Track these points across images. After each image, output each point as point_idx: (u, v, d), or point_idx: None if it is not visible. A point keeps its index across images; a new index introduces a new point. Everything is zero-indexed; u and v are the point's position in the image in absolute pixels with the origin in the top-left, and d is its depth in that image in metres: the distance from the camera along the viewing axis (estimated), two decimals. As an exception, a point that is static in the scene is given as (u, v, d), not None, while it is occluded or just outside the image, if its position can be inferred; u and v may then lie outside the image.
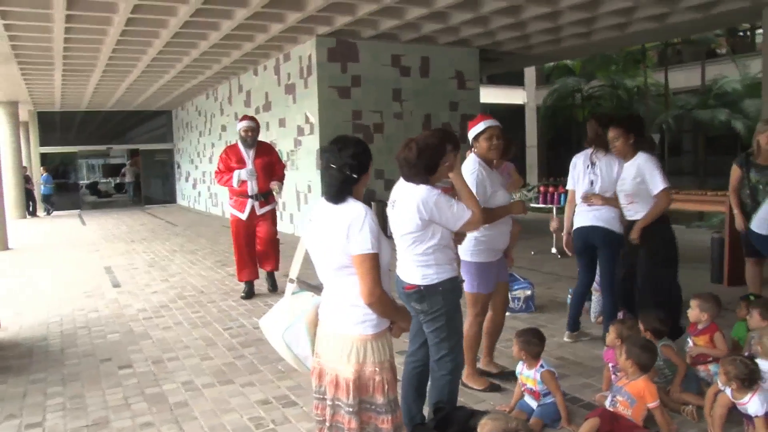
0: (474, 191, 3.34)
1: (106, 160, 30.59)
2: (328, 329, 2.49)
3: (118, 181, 27.87)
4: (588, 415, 3.39)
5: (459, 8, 9.66)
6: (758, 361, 3.36)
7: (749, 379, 3.16)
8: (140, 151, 25.01)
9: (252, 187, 6.87)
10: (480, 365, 4.29)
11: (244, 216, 6.95)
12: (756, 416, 3.14)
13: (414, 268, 3.13)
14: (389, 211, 3.21)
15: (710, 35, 21.02)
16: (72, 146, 23.69)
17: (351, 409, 2.39)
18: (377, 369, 2.40)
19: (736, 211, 5.48)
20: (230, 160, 6.89)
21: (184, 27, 9.92)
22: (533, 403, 3.62)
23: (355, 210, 2.38)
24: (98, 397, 4.29)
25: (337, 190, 2.43)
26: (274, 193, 6.96)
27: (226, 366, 4.84)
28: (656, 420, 3.29)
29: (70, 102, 19.39)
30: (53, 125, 22.68)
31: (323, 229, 2.46)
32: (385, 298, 2.36)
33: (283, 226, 7.07)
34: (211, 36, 10.75)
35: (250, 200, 6.91)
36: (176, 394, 4.31)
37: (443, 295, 3.11)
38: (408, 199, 3.05)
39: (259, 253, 7.19)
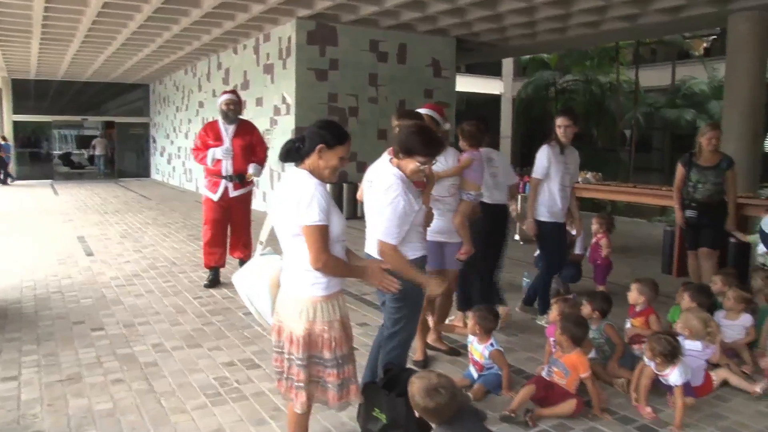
0: None
1: (80, 131, 30.20)
2: (286, 290, 2.78)
3: (90, 153, 27.49)
4: (525, 383, 3.72)
5: (436, -2, 9.90)
6: (681, 339, 3.73)
7: (671, 354, 3.53)
8: (116, 123, 24.80)
9: (226, 167, 6.40)
10: (429, 341, 4.53)
11: (215, 197, 6.47)
12: (675, 385, 3.50)
13: None
14: (366, 189, 3.34)
15: (679, 37, 21.49)
16: (46, 115, 23.46)
17: (300, 363, 2.69)
18: (326, 328, 2.69)
19: (676, 206, 5.89)
20: (208, 137, 6.45)
21: (166, 2, 10.01)
22: (476, 374, 3.95)
23: (306, 185, 2.65)
24: (71, 356, 4.51)
25: (283, 153, 2.77)
26: (251, 176, 6.52)
27: (195, 331, 5.09)
28: (588, 389, 3.63)
29: (46, 71, 19.20)
30: (27, 93, 22.39)
31: (281, 201, 2.74)
32: (332, 262, 2.64)
33: (255, 204, 7.18)
34: (192, 13, 10.84)
35: (223, 181, 6.44)
36: (146, 355, 4.55)
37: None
38: (381, 182, 3.18)
39: (231, 240, 6.79)
